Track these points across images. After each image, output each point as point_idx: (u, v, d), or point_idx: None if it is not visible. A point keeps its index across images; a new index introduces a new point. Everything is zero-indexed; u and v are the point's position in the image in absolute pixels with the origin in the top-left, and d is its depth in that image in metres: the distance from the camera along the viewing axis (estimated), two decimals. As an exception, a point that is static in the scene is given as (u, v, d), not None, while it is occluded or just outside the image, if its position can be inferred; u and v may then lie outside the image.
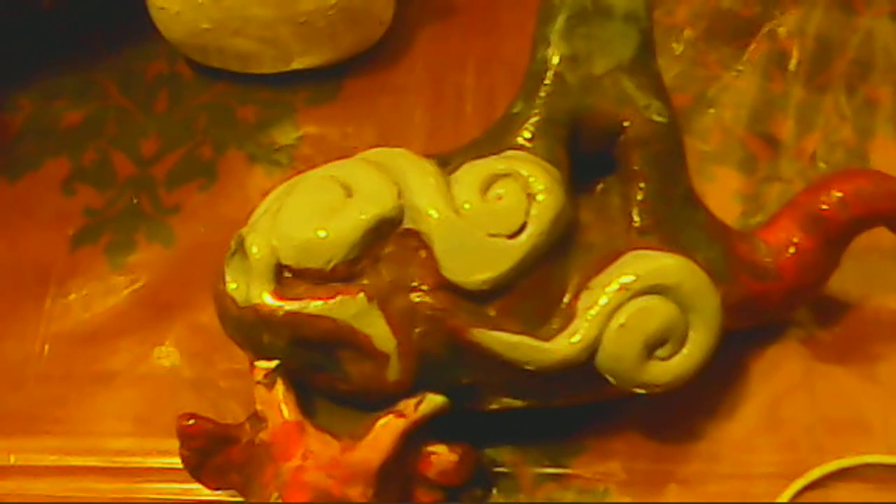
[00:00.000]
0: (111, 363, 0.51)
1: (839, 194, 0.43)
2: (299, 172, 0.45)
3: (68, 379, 0.51)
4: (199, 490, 0.45)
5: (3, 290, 0.54)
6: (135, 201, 0.55)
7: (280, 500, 0.39)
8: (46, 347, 0.52)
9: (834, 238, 0.43)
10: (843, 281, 0.47)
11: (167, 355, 0.51)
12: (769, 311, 0.45)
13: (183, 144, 0.57)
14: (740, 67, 0.55)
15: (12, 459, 0.49)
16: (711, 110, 0.54)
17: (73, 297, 0.53)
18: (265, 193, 0.45)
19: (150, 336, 0.51)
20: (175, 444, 0.45)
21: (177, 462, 0.45)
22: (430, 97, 0.56)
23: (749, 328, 0.45)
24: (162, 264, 0.53)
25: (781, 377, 0.47)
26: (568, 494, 0.45)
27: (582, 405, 0.45)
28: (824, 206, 0.43)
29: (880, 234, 0.45)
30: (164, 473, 0.47)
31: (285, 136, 0.57)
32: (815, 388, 0.46)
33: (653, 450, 0.45)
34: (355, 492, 0.39)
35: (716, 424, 0.46)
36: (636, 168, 0.42)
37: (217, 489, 0.43)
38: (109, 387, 0.50)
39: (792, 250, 0.43)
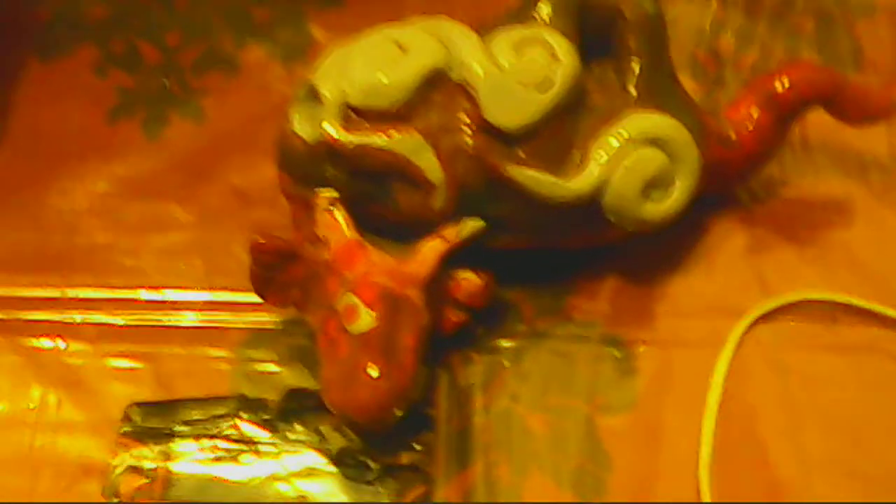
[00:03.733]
0: (155, 215, 0.57)
1: (789, 78, 0.53)
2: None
3: (116, 229, 0.57)
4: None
5: (48, 155, 0.59)
6: (166, 82, 0.62)
7: (353, 299, 0.46)
8: (94, 203, 0.58)
9: (785, 114, 0.53)
10: (780, 167, 0.57)
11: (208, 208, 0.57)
12: (730, 175, 0.54)
13: (204, 37, 0.63)
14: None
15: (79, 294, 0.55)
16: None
17: (114, 162, 0.59)
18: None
19: (191, 196, 0.58)
20: (222, 282, 0.53)
21: (225, 295, 0.53)
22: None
23: (710, 194, 0.55)
24: (194, 137, 0.60)
25: (729, 240, 0.56)
26: (567, 325, 0.53)
27: (577, 252, 0.54)
28: (778, 88, 0.53)
29: (811, 129, 0.57)
30: (216, 305, 0.54)
31: (300, 34, 0.63)
32: (759, 250, 0.56)
33: (630, 292, 0.54)
34: (412, 293, 0.47)
35: (681, 274, 0.55)
36: (632, 46, 0.51)
37: (279, 305, 0.50)
38: (155, 234, 0.57)
39: (750, 124, 0.53)
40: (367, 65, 0.48)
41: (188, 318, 0.54)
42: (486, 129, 0.48)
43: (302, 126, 0.49)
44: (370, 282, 0.47)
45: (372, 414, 0.45)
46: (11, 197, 0.58)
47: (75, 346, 0.53)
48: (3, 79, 0.62)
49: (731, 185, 0.56)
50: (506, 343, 0.53)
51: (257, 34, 0.64)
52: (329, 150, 0.48)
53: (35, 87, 0.62)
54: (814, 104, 0.54)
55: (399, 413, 0.46)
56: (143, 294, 0.55)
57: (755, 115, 0.53)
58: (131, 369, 0.53)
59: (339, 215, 0.49)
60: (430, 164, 0.48)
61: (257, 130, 0.59)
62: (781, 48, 0.63)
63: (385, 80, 0.48)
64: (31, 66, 0.63)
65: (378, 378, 0.45)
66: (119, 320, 0.54)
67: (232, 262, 0.55)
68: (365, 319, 0.46)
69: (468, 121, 0.48)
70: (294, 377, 0.51)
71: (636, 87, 0.51)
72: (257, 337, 0.53)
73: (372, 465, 0.48)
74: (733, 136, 0.53)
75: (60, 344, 0.53)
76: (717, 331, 0.52)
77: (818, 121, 0.57)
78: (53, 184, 0.58)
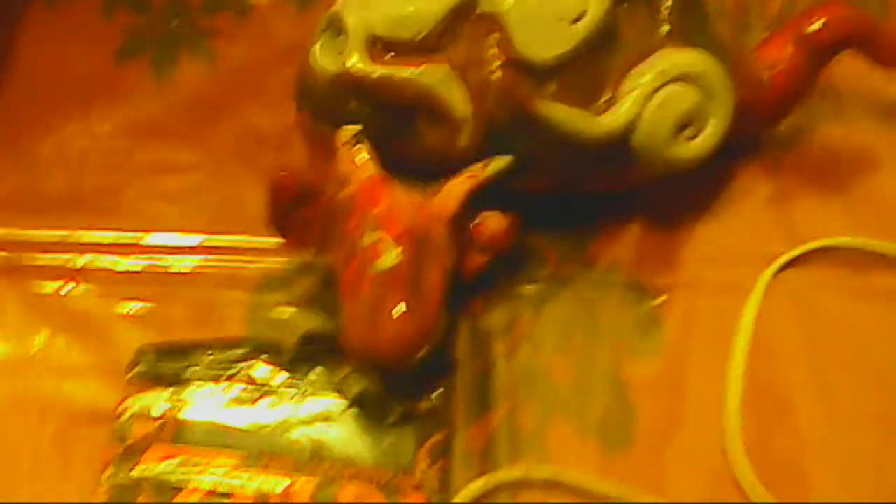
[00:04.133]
0: (164, 158, 0.55)
1: (823, 19, 0.51)
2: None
3: (123, 170, 0.55)
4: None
5: (54, 97, 0.57)
6: (175, 23, 0.60)
7: (378, 236, 0.44)
8: (101, 145, 0.56)
9: (818, 55, 0.52)
10: (806, 114, 0.56)
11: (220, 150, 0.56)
12: (761, 117, 0.53)
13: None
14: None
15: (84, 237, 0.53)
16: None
17: (121, 104, 0.57)
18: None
19: (203, 137, 0.56)
20: (234, 225, 0.51)
21: (238, 237, 0.52)
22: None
23: (738, 137, 0.53)
24: (205, 78, 0.58)
25: (755, 187, 0.55)
26: (591, 271, 0.52)
27: (601, 198, 0.52)
28: (812, 28, 0.51)
29: (838, 76, 0.55)
30: (229, 247, 0.52)
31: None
32: (785, 197, 0.54)
33: (655, 237, 0.53)
34: (437, 230, 0.46)
35: (706, 221, 0.53)
36: (665, -18, 0.50)
37: (297, 244, 0.48)
38: (164, 177, 0.55)
39: (783, 65, 0.52)
40: (392, -6, 0.47)
41: (199, 262, 0.52)
42: (516, 62, 0.47)
43: (324, 58, 0.48)
44: (395, 218, 0.45)
45: (397, 352, 0.43)
46: (17, 139, 0.56)
47: (82, 289, 0.52)
48: (6, 20, 0.60)
49: (760, 127, 0.54)
50: (528, 288, 0.51)
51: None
52: (353, 83, 0.46)
53: (40, 28, 0.60)
54: (847, 45, 0.52)
55: (423, 353, 0.44)
56: (153, 237, 0.53)
57: (788, 55, 0.52)
58: (140, 313, 0.51)
59: (363, 151, 0.47)
60: (457, 98, 0.46)
61: (269, 73, 0.58)
62: (806, -1, 0.62)
63: (412, 10, 0.46)
64: (36, 8, 0.61)
65: (404, 315, 0.43)
66: (128, 264, 0.52)
67: (243, 206, 0.54)
68: (389, 256, 0.44)
69: (497, 53, 0.47)
70: (309, 321, 0.50)
71: (669, 23, 0.49)
72: (270, 281, 0.51)
73: (391, 409, 0.46)
74: (765, 77, 0.52)
75: (67, 287, 0.51)
76: (743, 277, 0.51)
77: (845, 68, 0.56)
78: (60, 125, 0.57)
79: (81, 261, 0.52)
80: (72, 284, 0.52)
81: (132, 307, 0.51)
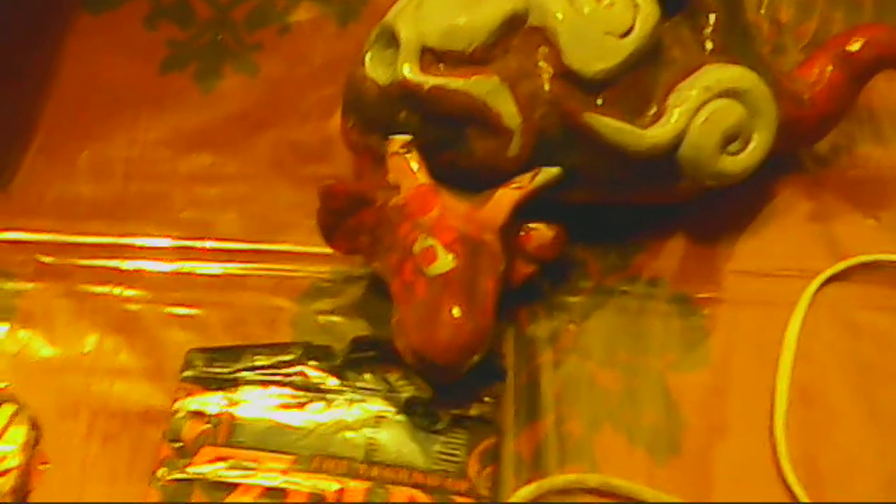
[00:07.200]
0: (207, 167, 0.56)
1: (863, 38, 0.52)
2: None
3: (166, 179, 0.56)
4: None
5: (100, 106, 0.58)
6: (219, 37, 0.60)
7: (431, 241, 0.45)
8: (147, 154, 0.56)
9: (857, 74, 0.52)
10: (845, 134, 0.57)
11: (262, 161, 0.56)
12: (801, 135, 0.53)
13: (257, -5, 0.62)
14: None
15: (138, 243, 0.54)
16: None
17: (166, 114, 0.58)
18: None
19: (245, 148, 0.57)
20: (278, 234, 0.52)
21: (284, 246, 0.52)
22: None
23: (779, 154, 0.54)
24: (248, 90, 0.59)
25: (796, 203, 0.55)
26: (635, 283, 0.52)
27: (644, 211, 0.53)
28: (852, 47, 0.52)
29: (876, 97, 0.56)
30: (274, 255, 0.53)
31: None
32: (826, 214, 0.55)
33: (697, 251, 0.53)
34: (489, 239, 0.46)
35: (748, 235, 0.54)
36: (708, 1, 0.50)
37: (346, 252, 0.49)
38: (207, 186, 0.55)
39: (823, 84, 0.52)
40: (445, 6, 0.48)
41: (245, 269, 0.53)
42: (565, 74, 0.47)
43: (375, 69, 0.48)
44: (447, 225, 0.46)
45: (453, 355, 0.44)
46: (62, 147, 0.57)
47: (130, 293, 0.52)
48: (52, 31, 0.60)
49: (801, 145, 0.55)
50: (572, 300, 0.52)
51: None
52: (404, 93, 0.47)
53: (85, 39, 0.61)
54: (886, 65, 0.53)
55: (477, 358, 0.45)
56: (199, 243, 0.53)
57: (828, 74, 0.53)
58: (190, 316, 0.51)
59: (413, 159, 0.47)
60: (507, 109, 0.47)
61: (309, 87, 0.59)
62: (841, 19, 0.62)
63: (464, 22, 0.47)
64: (81, 19, 0.61)
65: (460, 318, 0.43)
66: (175, 268, 0.53)
67: (282, 215, 0.54)
68: (444, 261, 0.45)
69: (547, 66, 0.47)
70: (356, 328, 0.50)
71: (712, 41, 0.50)
72: (318, 289, 0.52)
73: (441, 414, 0.46)
74: (806, 95, 0.52)
75: (116, 290, 0.52)
76: (787, 290, 0.52)
77: (883, 89, 0.57)
78: (105, 135, 0.57)
79: (129, 265, 0.53)
80: (120, 288, 0.52)
81: (180, 311, 0.51)
